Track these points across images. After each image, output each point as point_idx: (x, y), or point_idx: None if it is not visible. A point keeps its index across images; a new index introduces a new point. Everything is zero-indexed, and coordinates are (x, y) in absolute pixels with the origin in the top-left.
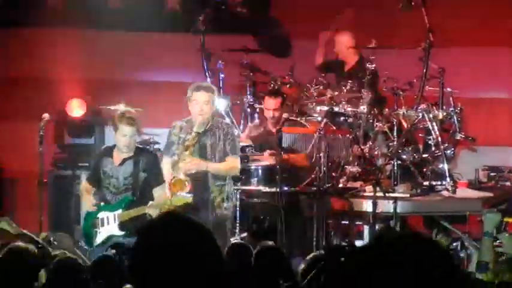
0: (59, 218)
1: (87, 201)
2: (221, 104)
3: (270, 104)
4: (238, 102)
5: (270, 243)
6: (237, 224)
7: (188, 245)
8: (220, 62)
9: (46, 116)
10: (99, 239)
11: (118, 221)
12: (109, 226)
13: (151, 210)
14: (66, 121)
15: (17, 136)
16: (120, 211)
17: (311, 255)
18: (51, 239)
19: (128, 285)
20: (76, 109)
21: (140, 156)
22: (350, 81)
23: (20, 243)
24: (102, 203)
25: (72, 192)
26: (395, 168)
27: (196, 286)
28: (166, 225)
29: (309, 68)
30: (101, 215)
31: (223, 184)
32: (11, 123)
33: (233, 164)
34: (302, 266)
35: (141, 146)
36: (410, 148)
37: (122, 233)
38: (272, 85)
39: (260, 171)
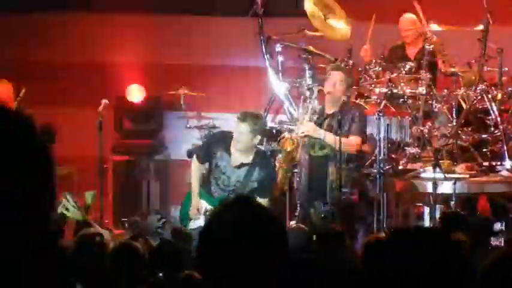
0: (122, 205)
1: (196, 184)
2: (280, 87)
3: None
4: (297, 85)
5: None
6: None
7: (257, 229)
8: (278, 45)
9: (105, 102)
10: (191, 226)
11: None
12: (202, 219)
13: None
14: (125, 107)
15: (76, 122)
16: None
17: (371, 237)
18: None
19: (186, 271)
20: (135, 95)
21: (256, 165)
22: (409, 62)
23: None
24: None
25: (133, 178)
26: (455, 149)
27: (260, 273)
28: (236, 208)
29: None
30: (202, 203)
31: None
32: (70, 109)
33: (353, 141)
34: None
35: (261, 151)
36: (469, 129)
37: None
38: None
39: None
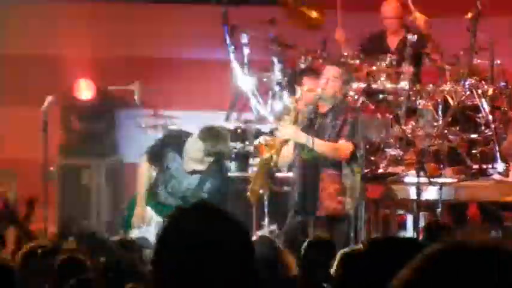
0: (68, 214)
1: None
2: (247, 82)
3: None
4: (265, 80)
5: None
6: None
7: (219, 236)
8: (244, 35)
9: (50, 99)
10: (132, 235)
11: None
12: (146, 228)
13: None
14: (72, 105)
15: (17, 122)
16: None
17: (346, 249)
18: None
19: (129, 285)
20: (84, 91)
21: (210, 175)
22: (390, 55)
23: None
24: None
25: (82, 184)
26: (442, 150)
27: (223, 283)
28: (196, 213)
29: None
30: (148, 212)
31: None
32: (9, 107)
33: (342, 147)
34: (336, 261)
35: (215, 163)
36: (457, 128)
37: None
38: (303, 60)
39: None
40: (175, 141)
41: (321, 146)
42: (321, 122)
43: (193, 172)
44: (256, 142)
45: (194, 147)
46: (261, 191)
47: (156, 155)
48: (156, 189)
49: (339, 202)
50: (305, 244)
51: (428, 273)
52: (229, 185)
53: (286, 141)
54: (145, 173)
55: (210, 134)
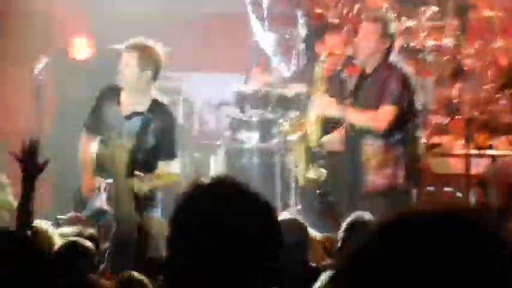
0: (65, 190)
1: (86, 157)
2: (267, 39)
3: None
4: (287, 36)
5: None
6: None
7: (237, 216)
8: None
9: (44, 59)
10: (87, 212)
11: (107, 192)
12: (98, 195)
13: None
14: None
15: (7, 86)
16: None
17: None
18: None
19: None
20: (81, 50)
21: (153, 115)
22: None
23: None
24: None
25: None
26: (493, 118)
27: (241, 269)
28: (213, 191)
29: None
30: (98, 180)
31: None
32: None
33: (382, 116)
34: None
35: (159, 99)
36: (510, 92)
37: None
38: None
39: None
40: (110, 92)
41: (356, 117)
42: (367, 85)
43: (132, 115)
44: (282, 127)
45: (123, 68)
46: (314, 176)
47: (95, 122)
48: (100, 159)
49: (386, 176)
50: (344, 226)
51: (372, 249)
52: (175, 126)
53: (319, 118)
54: (87, 143)
55: (136, 43)
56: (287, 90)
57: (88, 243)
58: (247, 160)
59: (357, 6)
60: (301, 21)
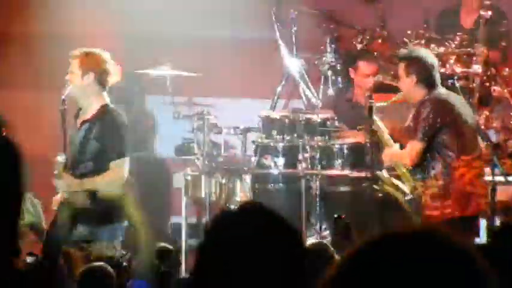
0: None
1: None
2: (294, 64)
3: (368, 68)
4: (316, 62)
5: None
6: (317, 220)
7: (264, 242)
8: (293, 11)
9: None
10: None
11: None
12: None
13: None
14: None
15: (31, 111)
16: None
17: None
18: None
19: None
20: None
21: (97, 120)
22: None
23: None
24: None
25: None
26: None
27: None
28: (242, 217)
29: (406, 17)
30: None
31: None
32: (23, 93)
33: (408, 152)
34: None
35: (110, 106)
36: None
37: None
38: (360, 40)
39: (346, 151)
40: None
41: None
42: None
43: (82, 124)
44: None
45: (69, 75)
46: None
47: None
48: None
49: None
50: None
51: (352, 268)
52: (119, 133)
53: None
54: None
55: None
56: (315, 116)
57: None
58: (273, 185)
59: (384, 32)
60: (329, 47)
